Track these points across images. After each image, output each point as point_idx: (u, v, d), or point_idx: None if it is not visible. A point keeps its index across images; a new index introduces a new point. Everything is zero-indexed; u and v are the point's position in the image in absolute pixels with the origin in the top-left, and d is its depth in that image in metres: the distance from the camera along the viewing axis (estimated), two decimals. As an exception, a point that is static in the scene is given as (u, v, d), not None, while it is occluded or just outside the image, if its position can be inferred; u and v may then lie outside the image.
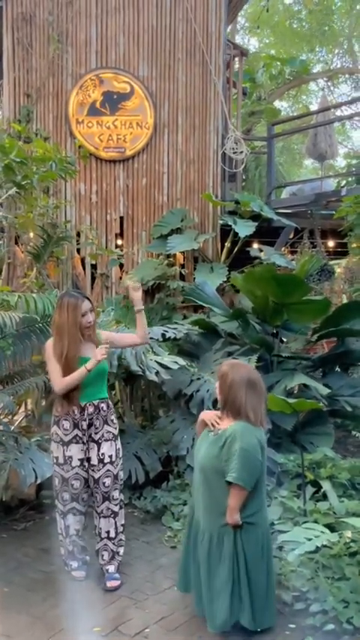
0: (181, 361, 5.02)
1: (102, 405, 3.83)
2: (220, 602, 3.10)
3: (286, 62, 14.66)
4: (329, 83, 16.79)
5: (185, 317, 6.74)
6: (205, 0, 7.48)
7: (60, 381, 3.70)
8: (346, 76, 18.20)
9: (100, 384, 3.85)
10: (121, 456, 3.91)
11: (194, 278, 6.90)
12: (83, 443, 3.78)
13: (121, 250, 7.05)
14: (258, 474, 3.12)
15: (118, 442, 3.90)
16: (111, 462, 3.80)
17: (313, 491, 4.65)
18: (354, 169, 9.29)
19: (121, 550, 3.89)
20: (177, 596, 3.60)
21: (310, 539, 3.41)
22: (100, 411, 3.80)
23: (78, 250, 7.13)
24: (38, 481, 4.00)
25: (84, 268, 7.19)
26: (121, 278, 7.25)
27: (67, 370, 3.69)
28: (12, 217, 5.82)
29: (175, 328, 5.58)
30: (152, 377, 4.89)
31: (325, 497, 4.61)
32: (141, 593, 3.64)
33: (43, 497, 4.90)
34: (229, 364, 3.34)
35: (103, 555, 3.83)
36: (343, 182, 9.24)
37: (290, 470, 4.92)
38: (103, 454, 3.78)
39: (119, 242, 7.37)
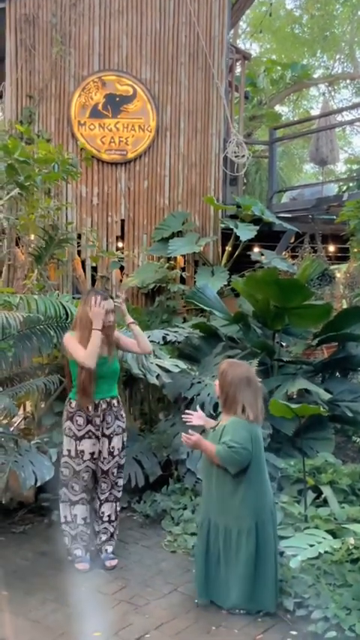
0: (182, 364, 5.01)
1: (113, 401, 4.06)
2: (236, 586, 3.36)
3: (288, 67, 14.69)
4: (330, 88, 16.81)
5: (185, 320, 6.72)
6: (209, 4, 7.48)
7: (85, 354, 3.80)
8: (347, 81, 18.23)
9: (112, 382, 4.07)
10: (127, 446, 4.18)
11: (195, 281, 6.89)
12: (96, 437, 3.98)
13: (122, 253, 7.03)
14: (245, 463, 3.35)
15: (125, 434, 4.13)
16: (119, 454, 4.05)
17: (313, 496, 4.62)
18: (355, 174, 9.29)
19: (117, 532, 4.16)
20: (177, 602, 3.58)
21: (312, 546, 3.39)
22: (112, 407, 4.03)
23: (79, 252, 7.11)
24: (38, 484, 3.96)
25: (84, 270, 7.16)
26: (121, 281, 7.23)
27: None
28: (13, 219, 5.80)
29: (175, 331, 5.56)
30: (153, 380, 4.87)
31: (325, 502, 4.59)
32: (141, 598, 3.61)
33: (42, 499, 4.86)
34: (227, 362, 3.59)
35: (102, 537, 4.08)
36: (344, 187, 9.24)
37: (291, 475, 4.89)
38: (113, 447, 4.02)
39: (120, 245, 7.35)
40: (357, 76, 18.10)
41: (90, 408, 3.94)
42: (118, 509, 4.17)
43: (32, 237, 6.07)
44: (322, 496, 4.66)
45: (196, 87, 7.48)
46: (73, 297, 5.61)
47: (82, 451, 3.96)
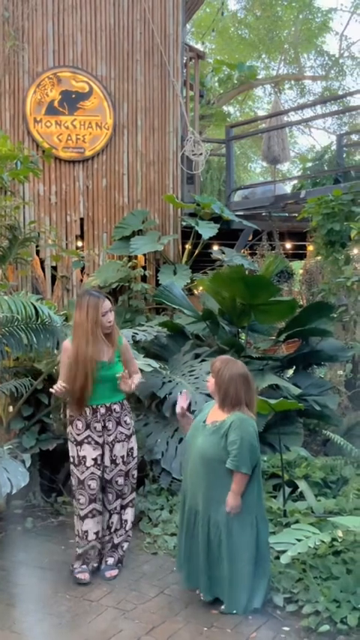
0: (155, 364, 4.93)
1: (114, 406, 3.87)
2: (239, 584, 3.34)
3: (234, 67, 14.78)
4: (276, 89, 17.03)
5: (148, 319, 6.65)
6: (163, 1, 7.43)
7: (59, 382, 3.77)
8: (292, 82, 18.52)
9: (111, 387, 3.85)
10: (135, 455, 4.00)
11: (157, 280, 6.83)
12: (97, 443, 3.81)
13: (82, 252, 6.91)
14: (256, 459, 3.42)
15: (132, 441, 3.97)
16: (124, 462, 3.90)
17: (289, 491, 4.65)
18: (309, 172, 9.43)
19: (125, 545, 3.98)
20: (165, 604, 3.52)
21: (300, 540, 3.39)
22: (112, 412, 3.86)
23: (37, 252, 6.94)
24: (14, 491, 3.82)
25: (44, 271, 7.00)
26: (82, 280, 7.09)
27: (81, 369, 3.70)
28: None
29: (144, 330, 5.49)
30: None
31: (301, 496, 4.63)
32: (128, 603, 3.53)
33: (13, 507, 4.71)
34: (222, 360, 3.59)
35: (106, 547, 3.92)
36: (299, 185, 9.37)
37: (265, 470, 4.91)
38: (115, 455, 3.87)
39: (79, 244, 7.22)
40: (301, 77, 18.42)
41: (88, 412, 3.80)
42: (130, 521, 4.01)
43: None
44: (298, 490, 4.70)
45: (153, 84, 7.41)
46: (38, 299, 5.47)
47: (84, 457, 3.81)
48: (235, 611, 3.36)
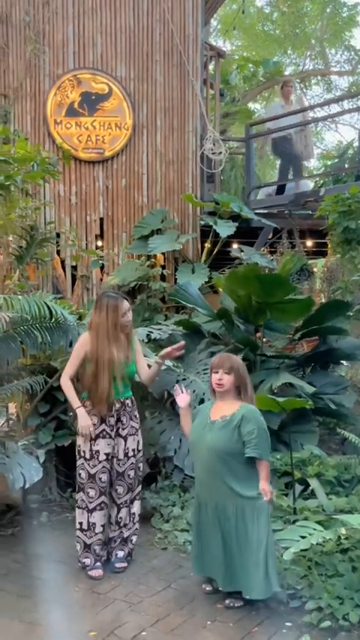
0: (168, 362, 4.99)
1: (127, 401, 4.02)
2: (258, 571, 3.36)
3: (260, 64, 14.75)
4: (302, 85, 16.94)
5: (167, 318, 6.72)
6: (182, 1, 7.48)
7: (66, 379, 3.92)
8: (318, 77, 18.38)
9: (127, 384, 4.03)
10: (141, 448, 4.11)
11: (175, 279, 6.89)
12: (110, 437, 3.92)
13: (102, 251, 7.01)
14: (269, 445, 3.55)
15: (139, 435, 4.08)
16: (134, 455, 4.02)
17: (301, 489, 4.67)
18: (330, 170, 9.38)
19: (134, 538, 4.06)
20: (172, 598, 3.59)
21: (304, 537, 3.42)
22: (126, 407, 4.00)
23: (58, 252, 7.07)
24: (27, 485, 3.96)
25: (64, 270, 7.12)
26: (102, 279, 7.20)
27: (104, 371, 3.83)
28: (-9, 219, 5.74)
29: (159, 329, 5.55)
30: (138, 378, 4.85)
31: (313, 494, 4.64)
32: (135, 596, 3.61)
33: (29, 501, 4.83)
34: (230, 357, 3.68)
35: (115, 542, 4.00)
36: (321, 182, 9.32)
37: (278, 468, 4.93)
38: (127, 448, 3.99)
39: (99, 243, 7.32)
40: (327, 72, 18.26)
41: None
42: (138, 514, 4.09)
43: (10, 237, 6.02)
44: (310, 488, 4.71)
45: (172, 84, 7.47)
46: (55, 298, 5.58)
47: (98, 451, 3.90)
48: (259, 597, 3.40)
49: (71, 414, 5.37)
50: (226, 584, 3.52)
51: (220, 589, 3.55)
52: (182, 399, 3.85)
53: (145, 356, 4.36)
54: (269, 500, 3.47)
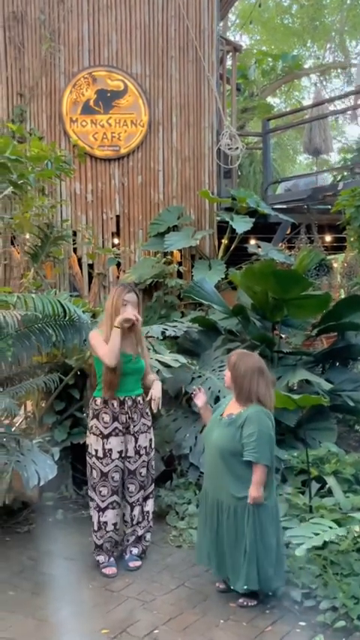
0: (182, 359, 4.98)
1: (139, 398, 4.01)
2: (250, 566, 3.37)
3: (279, 58, 14.63)
4: (322, 78, 16.75)
5: (184, 315, 6.70)
6: (197, -4, 7.44)
7: (104, 351, 3.81)
8: (339, 70, 18.17)
9: (137, 381, 4.00)
10: (153, 446, 4.10)
11: (192, 275, 6.86)
12: (123, 435, 3.92)
13: (118, 249, 7.01)
14: (273, 450, 3.48)
15: (151, 433, 4.08)
16: (146, 453, 4.02)
17: (317, 487, 4.62)
18: (349, 163, 9.26)
19: (148, 535, 4.07)
20: (185, 596, 3.58)
21: (317, 534, 3.38)
22: (137, 404, 3.99)
23: (74, 250, 7.09)
24: (41, 483, 3.94)
25: (81, 268, 7.14)
26: (118, 277, 7.20)
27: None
28: (8, 218, 5.77)
29: (174, 326, 5.53)
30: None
31: (330, 492, 4.58)
32: (148, 594, 3.60)
33: (45, 499, 4.85)
34: (237, 354, 3.65)
35: (129, 540, 4.00)
36: (339, 177, 9.21)
37: (294, 466, 4.89)
38: (139, 446, 3.98)
39: (115, 241, 7.32)
40: (348, 64, 18.04)
41: (115, 404, 3.90)
42: (151, 512, 4.09)
43: (27, 235, 6.05)
44: (327, 486, 4.65)
45: (188, 80, 7.43)
46: (71, 295, 5.60)
47: (110, 450, 3.90)
48: (266, 590, 3.44)
49: (86, 413, 5.38)
50: (234, 581, 3.50)
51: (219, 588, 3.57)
52: (199, 398, 3.86)
53: (158, 353, 4.34)
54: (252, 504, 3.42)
